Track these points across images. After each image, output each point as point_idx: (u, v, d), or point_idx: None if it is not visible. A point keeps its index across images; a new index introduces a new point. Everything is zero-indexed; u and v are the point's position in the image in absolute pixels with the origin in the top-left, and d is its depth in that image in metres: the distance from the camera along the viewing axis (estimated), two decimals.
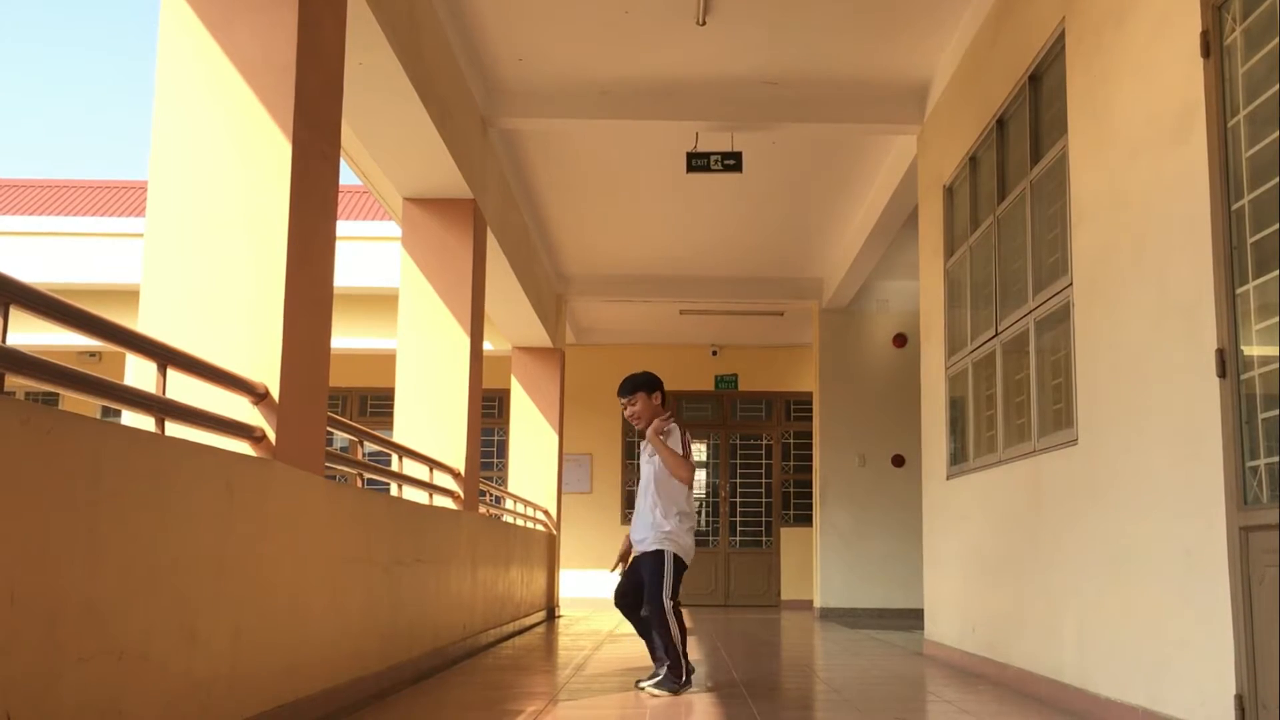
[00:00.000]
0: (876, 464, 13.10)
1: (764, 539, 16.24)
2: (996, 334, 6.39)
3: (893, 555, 12.69)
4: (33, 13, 78.61)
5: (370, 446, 5.84)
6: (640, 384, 5.88)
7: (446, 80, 6.82)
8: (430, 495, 6.81)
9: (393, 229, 11.87)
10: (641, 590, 5.68)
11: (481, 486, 8.63)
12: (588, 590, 15.09)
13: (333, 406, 13.26)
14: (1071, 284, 5.21)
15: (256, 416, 3.89)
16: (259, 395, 3.88)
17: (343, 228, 12.23)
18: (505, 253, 9.11)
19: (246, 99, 4.10)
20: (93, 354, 14.64)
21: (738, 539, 16.21)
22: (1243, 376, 3.61)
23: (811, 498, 13.94)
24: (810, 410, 14.32)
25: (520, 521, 10.63)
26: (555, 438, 12.80)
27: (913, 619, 10.83)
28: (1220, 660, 3.67)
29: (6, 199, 17.48)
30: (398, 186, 7.60)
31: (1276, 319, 3.46)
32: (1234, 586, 3.59)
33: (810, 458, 14.56)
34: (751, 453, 16.45)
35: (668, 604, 5.60)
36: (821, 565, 13.07)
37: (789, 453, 16.38)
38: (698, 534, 16.05)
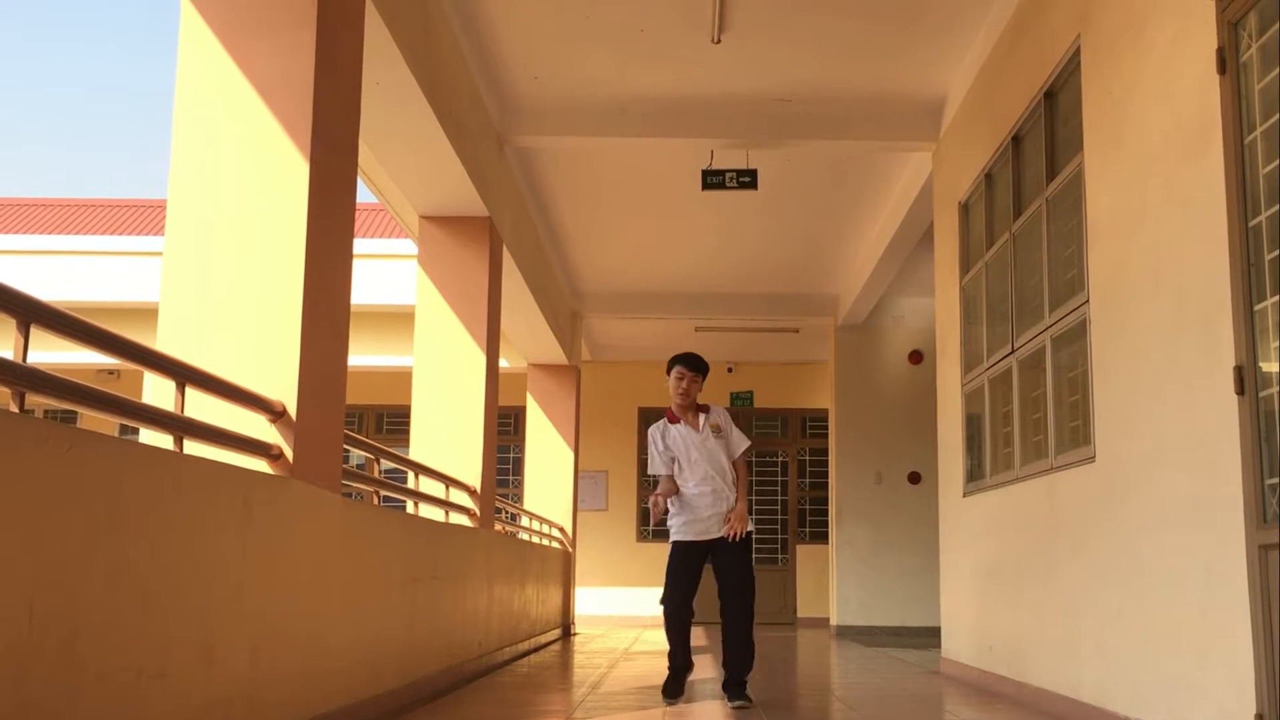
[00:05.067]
0: (893, 481, 13.06)
1: (780, 556, 16.19)
2: (1013, 350, 6.38)
3: (909, 573, 12.64)
4: (52, 31, 79.35)
5: (387, 464, 5.85)
6: (706, 370, 6.04)
7: (462, 99, 6.86)
8: (446, 512, 6.82)
9: (409, 247, 11.91)
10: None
11: (497, 504, 8.64)
12: (603, 608, 15.08)
13: (349, 424, 13.27)
14: (1088, 300, 5.20)
15: (274, 434, 3.91)
16: (276, 413, 3.89)
17: (359, 245, 12.28)
18: (521, 270, 9.13)
19: (264, 118, 4.13)
20: (111, 372, 14.70)
21: (753, 556, 16.14)
22: (1261, 394, 3.59)
23: (827, 515, 13.90)
24: (826, 427, 14.29)
25: (536, 539, 10.63)
26: (571, 455, 12.80)
27: (930, 637, 10.78)
28: (1240, 678, 3.64)
29: (26, 218, 17.61)
30: (414, 204, 7.64)
31: None
32: (1253, 604, 3.57)
33: (826, 474, 14.53)
34: (767, 469, 16.41)
35: None
36: (838, 583, 13.02)
37: (805, 469, 16.34)
38: None
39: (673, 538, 5.93)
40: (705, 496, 5.85)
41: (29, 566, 2.33)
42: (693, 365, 5.96)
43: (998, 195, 6.90)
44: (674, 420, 5.95)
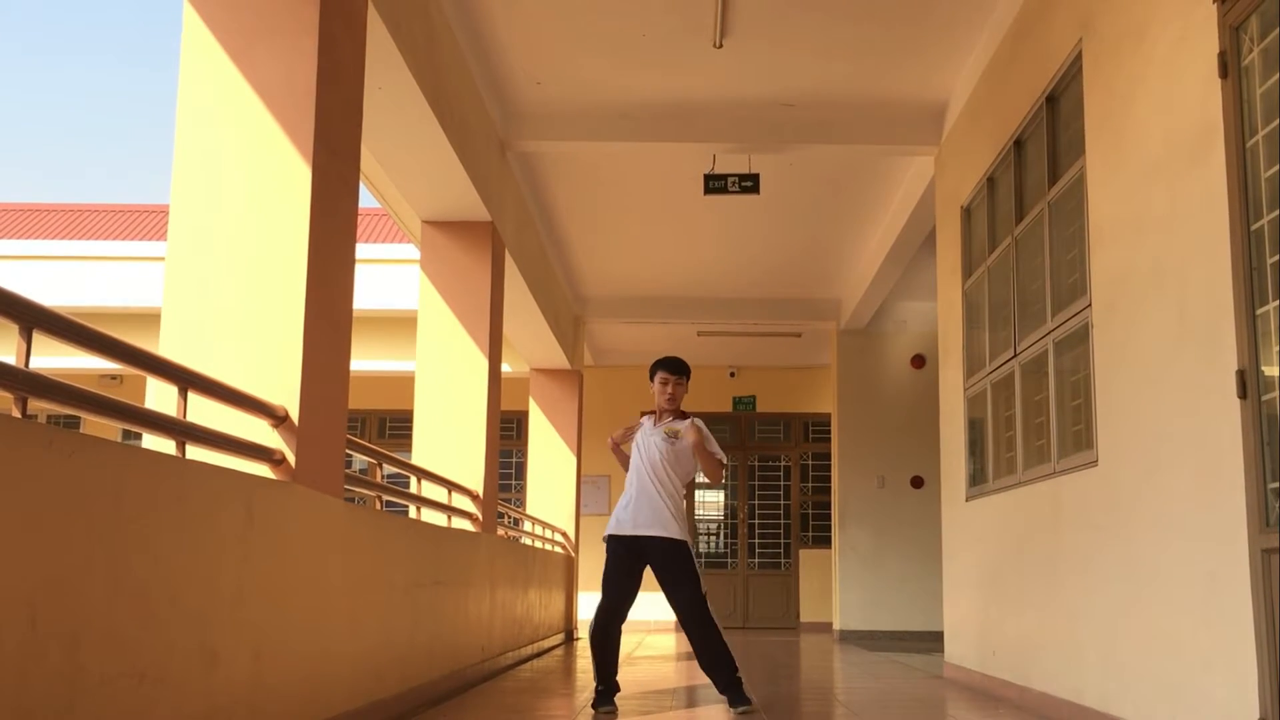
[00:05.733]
0: (895, 485, 13.05)
1: (783, 561, 16.19)
2: (1015, 355, 6.37)
3: (912, 577, 12.63)
4: (54, 39, 79.46)
5: (389, 469, 5.85)
6: (687, 371, 5.91)
7: (465, 104, 6.86)
8: (449, 517, 6.82)
9: (411, 251, 11.92)
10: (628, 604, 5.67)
11: (500, 508, 8.63)
12: None
13: (352, 429, 13.18)
14: (1090, 305, 5.20)
15: (276, 439, 3.91)
16: (279, 418, 3.90)
17: (362, 250, 12.29)
18: (523, 275, 9.14)
19: (267, 123, 4.13)
20: (114, 377, 14.73)
21: (756, 561, 16.17)
22: (1264, 398, 3.59)
23: (830, 519, 13.90)
24: (829, 431, 14.29)
25: (538, 543, 10.62)
26: (573, 459, 12.80)
27: (933, 641, 10.77)
28: (1243, 682, 3.64)
29: (29, 223, 17.63)
30: (416, 209, 7.64)
31: None
32: (1256, 609, 3.56)
33: (829, 479, 14.53)
34: (770, 474, 16.41)
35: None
36: (841, 587, 13.01)
37: (807, 474, 16.34)
38: (716, 553, 16.11)
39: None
40: (636, 496, 5.70)
41: (31, 571, 2.33)
42: (674, 368, 5.87)
43: (1000, 199, 6.90)
44: (651, 414, 5.92)
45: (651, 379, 5.93)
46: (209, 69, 4.18)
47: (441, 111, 6.16)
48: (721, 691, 5.66)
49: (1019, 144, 6.47)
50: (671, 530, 5.64)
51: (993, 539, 6.79)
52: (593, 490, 15.62)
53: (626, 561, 5.66)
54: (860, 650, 11.00)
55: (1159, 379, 4.39)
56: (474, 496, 7.48)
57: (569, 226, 10.60)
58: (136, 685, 2.74)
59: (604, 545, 5.76)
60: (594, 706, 5.50)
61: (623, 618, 5.69)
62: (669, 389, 5.84)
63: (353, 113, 4.61)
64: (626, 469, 5.91)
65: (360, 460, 5.60)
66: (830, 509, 13.99)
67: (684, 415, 5.88)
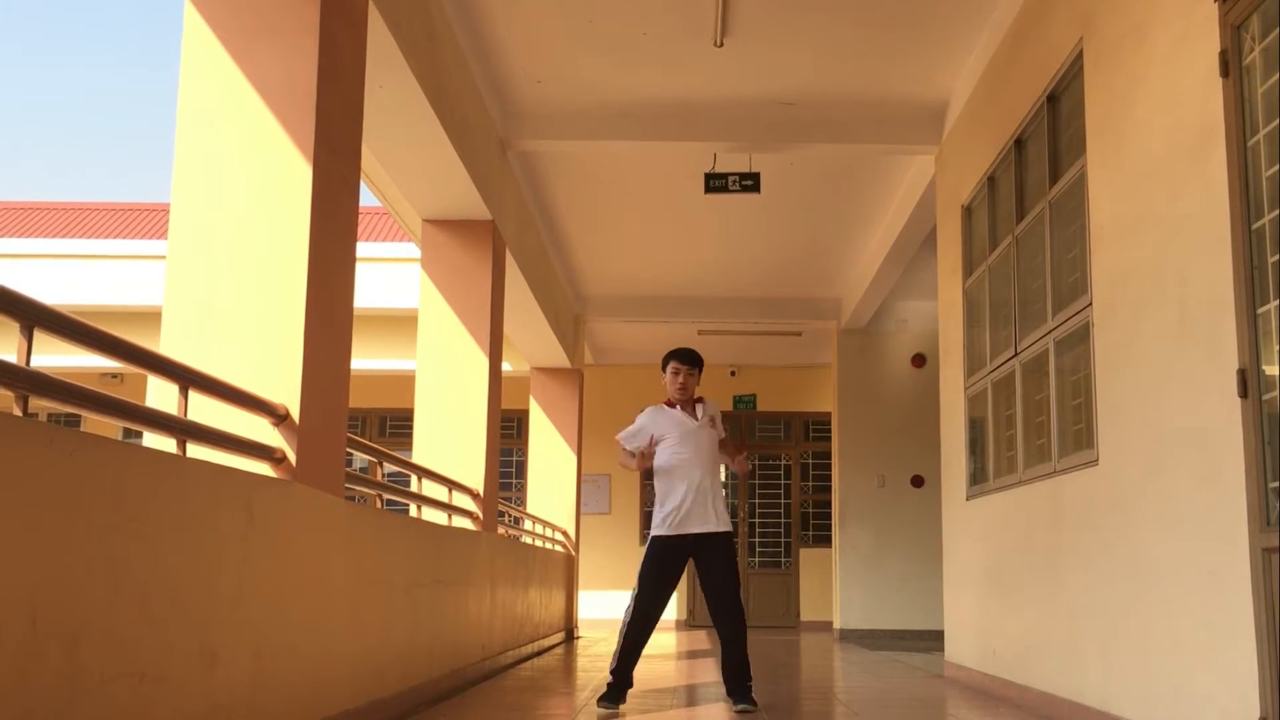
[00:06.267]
0: (896, 484, 13.05)
1: (783, 560, 16.19)
2: (1016, 354, 6.37)
3: (912, 576, 12.64)
4: (54, 39, 79.50)
5: (390, 467, 5.85)
6: (701, 364, 5.95)
7: (465, 103, 6.86)
8: (449, 516, 6.82)
9: (412, 250, 11.92)
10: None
11: (500, 507, 8.63)
12: (606, 611, 15.05)
13: (352, 427, 13.11)
14: (1091, 304, 5.19)
15: (277, 438, 3.91)
16: (279, 417, 3.90)
17: (362, 249, 12.28)
18: (524, 273, 9.14)
19: (267, 122, 4.13)
20: (114, 375, 14.72)
21: (756, 559, 16.16)
22: (1264, 397, 3.59)
23: (831, 518, 13.91)
24: (829, 430, 14.29)
25: (539, 542, 10.62)
26: (574, 458, 12.80)
27: (933, 640, 10.77)
28: (1244, 681, 3.64)
29: (29, 221, 17.63)
30: (417, 208, 7.64)
31: None
32: (1257, 608, 3.56)
33: (829, 478, 14.53)
34: (770, 473, 16.41)
35: None
36: (841, 586, 13.02)
37: (808, 473, 16.34)
38: None
39: (651, 533, 5.78)
40: (690, 494, 5.68)
41: (32, 570, 2.33)
42: (688, 359, 5.90)
43: (1000, 198, 6.90)
44: (671, 406, 5.89)
45: (664, 369, 5.94)
46: (210, 68, 4.18)
47: (442, 110, 6.16)
48: (730, 693, 5.68)
49: (1020, 143, 6.47)
50: (727, 522, 5.77)
51: (993, 538, 6.79)
52: (593, 489, 15.62)
53: (679, 561, 5.73)
54: (861, 649, 11.00)
55: (1160, 378, 4.39)
56: (474, 495, 7.48)
57: (569, 225, 10.60)
58: (136, 685, 2.74)
59: (649, 544, 5.76)
60: (602, 702, 5.51)
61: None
62: (680, 378, 5.87)
63: (353, 112, 4.61)
64: (639, 469, 5.91)
65: (361, 459, 5.59)
66: (830, 508, 13.99)
67: (698, 400, 5.94)
